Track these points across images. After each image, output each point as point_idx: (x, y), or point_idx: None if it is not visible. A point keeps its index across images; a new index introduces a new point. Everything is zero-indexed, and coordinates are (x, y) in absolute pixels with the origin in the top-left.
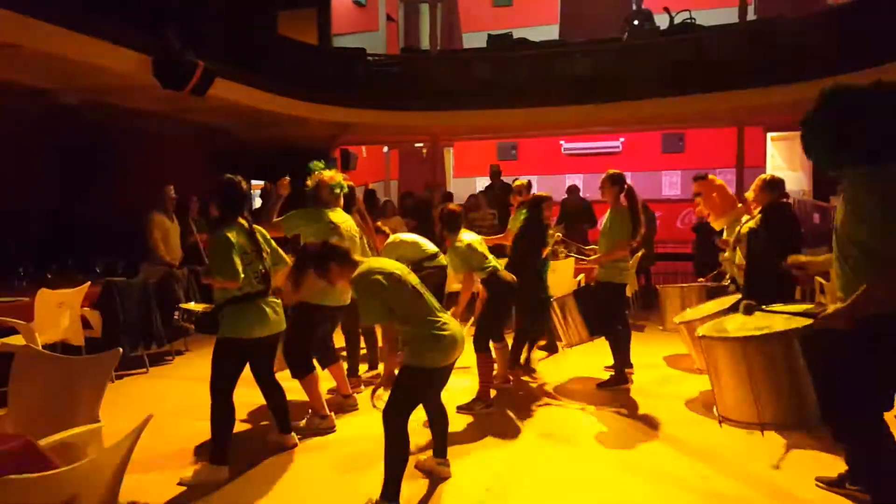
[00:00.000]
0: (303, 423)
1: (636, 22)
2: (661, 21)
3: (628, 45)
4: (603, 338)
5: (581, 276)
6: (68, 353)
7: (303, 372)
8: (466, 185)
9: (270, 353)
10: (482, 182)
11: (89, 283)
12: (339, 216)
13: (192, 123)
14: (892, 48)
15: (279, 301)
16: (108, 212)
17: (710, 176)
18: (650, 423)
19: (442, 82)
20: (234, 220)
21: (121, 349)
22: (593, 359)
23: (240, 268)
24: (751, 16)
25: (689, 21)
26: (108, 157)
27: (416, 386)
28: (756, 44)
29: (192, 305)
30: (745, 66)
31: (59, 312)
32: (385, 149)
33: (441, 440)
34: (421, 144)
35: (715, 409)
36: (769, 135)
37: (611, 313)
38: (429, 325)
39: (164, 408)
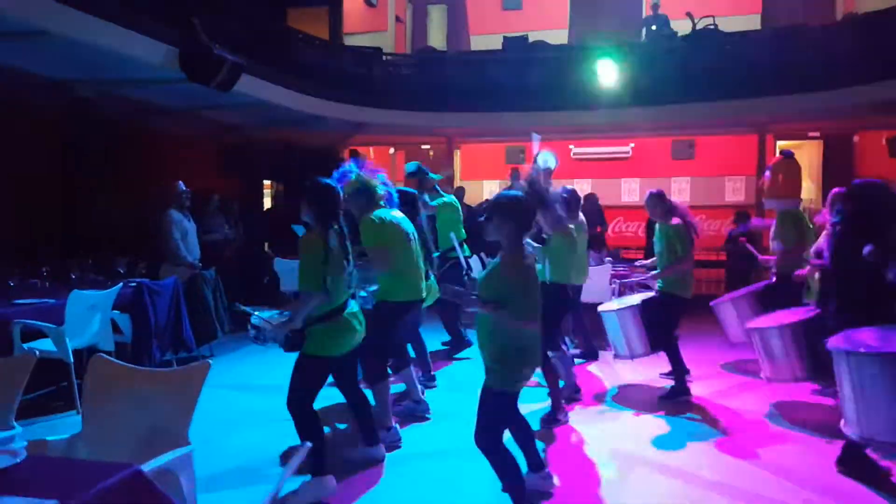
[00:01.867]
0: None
1: (654, 27)
2: (677, 26)
3: (650, 48)
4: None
5: (616, 284)
6: None
7: (377, 377)
8: (473, 188)
9: (354, 363)
10: (489, 185)
11: (122, 284)
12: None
13: (207, 120)
14: None
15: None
16: (122, 209)
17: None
18: (727, 437)
19: (458, 83)
20: (332, 224)
21: (209, 361)
22: (638, 365)
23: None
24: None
25: (711, 27)
26: (123, 154)
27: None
28: (781, 51)
29: (268, 320)
30: (769, 72)
31: (90, 316)
32: (391, 150)
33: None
34: (428, 146)
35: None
36: (778, 143)
37: (672, 326)
38: None
39: (207, 420)
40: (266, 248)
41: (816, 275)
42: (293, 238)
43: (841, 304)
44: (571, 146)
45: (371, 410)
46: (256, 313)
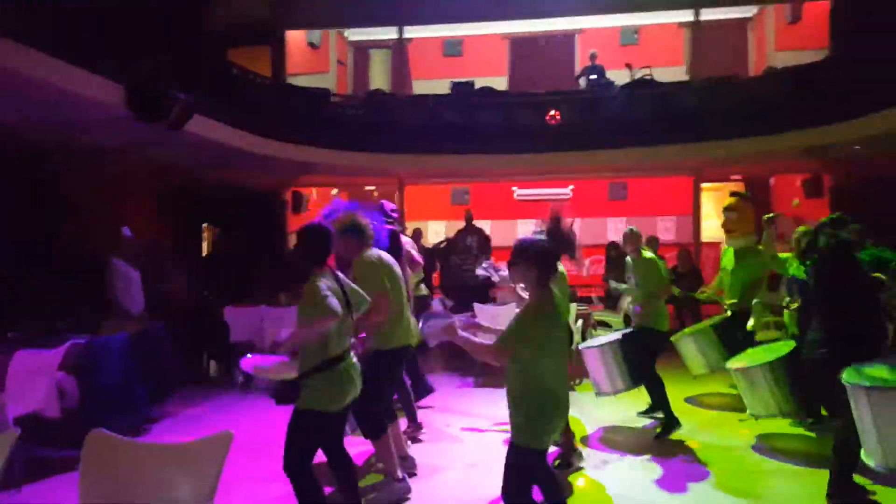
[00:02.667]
0: (371, 495)
1: (594, 76)
2: (613, 76)
3: (596, 96)
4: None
5: (580, 322)
6: (42, 427)
7: (378, 431)
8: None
9: (344, 419)
10: (434, 226)
11: (70, 343)
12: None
13: (144, 160)
14: (852, 106)
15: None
16: (58, 260)
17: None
18: (725, 476)
19: (409, 125)
20: (325, 267)
21: (230, 432)
22: (611, 405)
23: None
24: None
25: (648, 77)
26: (59, 200)
27: None
28: (714, 99)
29: (266, 371)
30: (703, 120)
31: (33, 379)
32: (334, 191)
33: None
34: (373, 188)
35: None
36: (703, 185)
37: (653, 360)
38: None
39: None
40: (206, 295)
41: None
42: (239, 284)
43: (833, 337)
44: (514, 188)
45: (356, 473)
46: (249, 354)
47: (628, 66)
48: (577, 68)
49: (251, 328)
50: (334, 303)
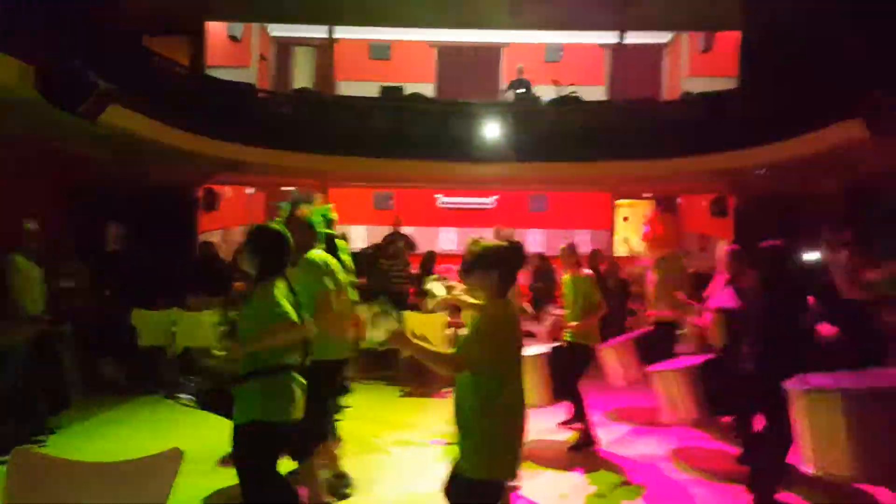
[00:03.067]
0: None
1: (522, 90)
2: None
3: (525, 109)
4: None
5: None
6: None
7: (307, 451)
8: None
9: (288, 439)
10: (356, 231)
11: None
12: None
13: (51, 151)
14: (758, 134)
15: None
16: None
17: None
18: (650, 491)
19: (338, 127)
20: (281, 274)
21: (179, 449)
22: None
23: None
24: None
25: (573, 94)
26: None
27: None
28: (634, 120)
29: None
30: (624, 139)
31: None
32: (249, 190)
33: None
34: (291, 188)
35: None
36: (616, 202)
37: (579, 376)
38: None
39: None
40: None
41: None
42: (145, 285)
43: (771, 350)
44: (438, 195)
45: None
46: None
47: (555, 82)
48: (503, 81)
49: (161, 333)
50: (291, 314)
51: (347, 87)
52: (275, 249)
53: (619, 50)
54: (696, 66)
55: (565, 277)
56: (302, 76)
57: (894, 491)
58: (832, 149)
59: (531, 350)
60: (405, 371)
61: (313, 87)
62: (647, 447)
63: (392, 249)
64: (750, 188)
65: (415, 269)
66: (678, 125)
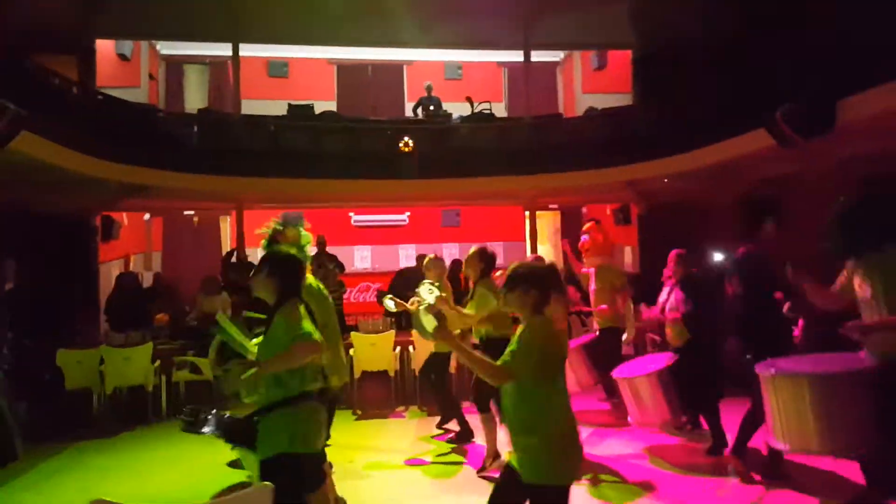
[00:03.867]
0: None
1: (432, 107)
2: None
3: (441, 126)
4: None
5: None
6: None
7: (323, 478)
8: (254, 256)
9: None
10: (259, 254)
11: None
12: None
13: None
14: (664, 145)
15: None
16: None
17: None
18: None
19: (249, 147)
20: (298, 297)
21: (269, 484)
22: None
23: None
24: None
25: (487, 111)
26: None
27: None
28: (545, 135)
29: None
30: (537, 154)
31: None
32: (146, 216)
33: None
34: (192, 212)
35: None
36: (526, 213)
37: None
38: None
39: None
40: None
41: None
42: (47, 322)
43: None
44: (352, 214)
45: None
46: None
47: (468, 99)
48: (407, 98)
49: (88, 373)
50: (315, 335)
51: (245, 106)
52: (292, 272)
53: (515, 68)
54: (590, 83)
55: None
56: (195, 96)
57: (855, 460)
58: (730, 160)
59: None
60: (355, 394)
61: (208, 105)
62: (618, 447)
63: (322, 272)
64: (653, 197)
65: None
66: (587, 140)
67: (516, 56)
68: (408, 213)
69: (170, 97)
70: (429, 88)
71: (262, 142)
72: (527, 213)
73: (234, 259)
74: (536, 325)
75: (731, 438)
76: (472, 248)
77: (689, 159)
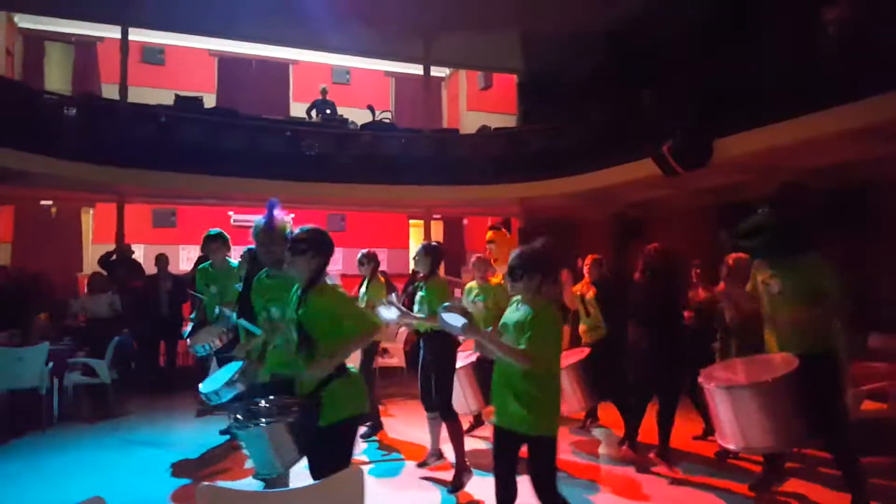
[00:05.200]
0: None
1: (328, 111)
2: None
3: (343, 132)
4: None
5: None
6: None
7: None
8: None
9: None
10: (137, 251)
11: None
12: None
13: None
14: (552, 166)
15: None
16: None
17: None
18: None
19: (133, 137)
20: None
21: (361, 470)
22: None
23: None
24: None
25: (388, 120)
26: None
27: None
28: (437, 149)
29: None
30: (427, 165)
31: None
32: None
33: None
34: (50, 202)
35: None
36: (411, 221)
37: None
38: None
39: None
40: None
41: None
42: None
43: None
44: (231, 213)
45: None
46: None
47: (370, 107)
48: (292, 97)
49: None
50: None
51: (111, 92)
52: (330, 250)
53: (403, 79)
54: (476, 101)
55: (471, 287)
56: (56, 76)
57: (801, 448)
58: (615, 185)
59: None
60: None
61: (72, 88)
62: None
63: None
64: (535, 212)
65: None
66: (481, 155)
67: (404, 67)
68: (292, 216)
69: (27, 74)
70: (324, 91)
71: (148, 133)
72: (410, 220)
73: (114, 257)
74: (548, 312)
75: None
76: (419, 246)
77: (578, 182)
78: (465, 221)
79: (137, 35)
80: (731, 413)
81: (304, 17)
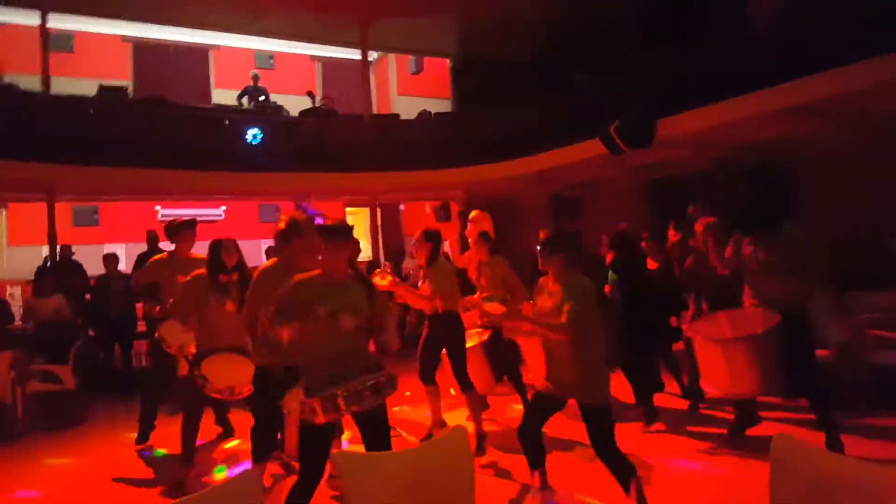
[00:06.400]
0: None
1: (262, 97)
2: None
3: (284, 120)
4: None
5: None
6: None
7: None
8: (26, 254)
9: None
10: (32, 252)
11: None
12: None
13: None
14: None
15: None
16: None
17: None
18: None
19: (61, 131)
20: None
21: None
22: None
23: None
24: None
25: (324, 106)
26: None
27: None
28: (380, 135)
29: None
30: (372, 151)
31: None
32: None
33: None
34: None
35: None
36: (347, 208)
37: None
38: None
39: None
40: None
41: None
42: None
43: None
44: (158, 207)
45: None
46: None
47: (310, 94)
48: (213, 84)
49: None
50: None
51: (23, 81)
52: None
53: (330, 63)
54: (406, 85)
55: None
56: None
57: (786, 399)
58: (559, 165)
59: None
60: None
61: None
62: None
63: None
64: (475, 195)
65: None
66: (423, 140)
67: (332, 51)
68: (223, 208)
69: None
70: (255, 77)
71: (76, 126)
72: (346, 207)
73: (58, 258)
74: (580, 283)
75: None
76: (418, 233)
77: (523, 164)
78: (402, 207)
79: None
80: (722, 363)
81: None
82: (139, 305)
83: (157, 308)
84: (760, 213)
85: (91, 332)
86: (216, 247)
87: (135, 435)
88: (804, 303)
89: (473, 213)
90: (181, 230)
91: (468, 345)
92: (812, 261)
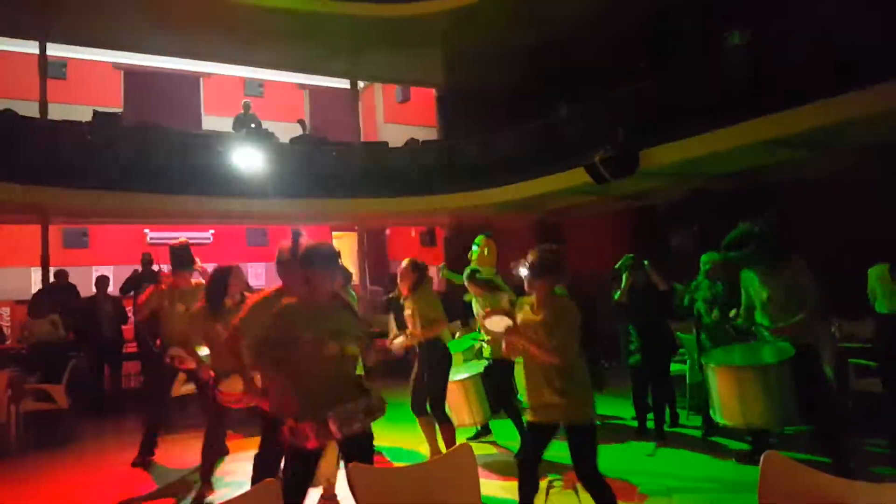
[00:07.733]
0: None
1: (253, 125)
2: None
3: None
4: None
5: None
6: None
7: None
8: (15, 275)
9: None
10: (21, 274)
11: None
12: None
13: None
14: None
15: None
16: None
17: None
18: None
19: (61, 155)
20: None
21: (468, 443)
22: None
23: None
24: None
25: (321, 136)
26: None
27: None
28: (369, 162)
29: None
30: (360, 177)
31: None
32: None
33: None
34: None
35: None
36: (333, 233)
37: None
38: None
39: None
40: None
41: None
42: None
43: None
44: (147, 230)
45: None
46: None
47: (301, 122)
48: (204, 110)
49: None
50: None
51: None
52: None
53: (317, 91)
54: (393, 114)
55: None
56: None
57: (794, 425)
58: (544, 193)
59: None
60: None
61: None
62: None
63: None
64: (459, 221)
65: None
66: (412, 167)
67: (318, 80)
68: (212, 231)
69: None
70: (246, 106)
71: (73, 150)
72: (333, 232)
73: (52, 280)
74: (566, 305)
75: None
76: (405, 261)
77: (508, 192)
78: (388, 231)
79: (36, 48)
80: (734, 392)
81: (224, 32)
82: (125, 328)
83: (158, 341)
84: (745, 240)
85: (76, 353)
86: (223, 274)
87: (127, 454)
88: (812, 334)
89: (482, 240)
90: (187, 258)
91: (468, 374)
92: (816, 293)
